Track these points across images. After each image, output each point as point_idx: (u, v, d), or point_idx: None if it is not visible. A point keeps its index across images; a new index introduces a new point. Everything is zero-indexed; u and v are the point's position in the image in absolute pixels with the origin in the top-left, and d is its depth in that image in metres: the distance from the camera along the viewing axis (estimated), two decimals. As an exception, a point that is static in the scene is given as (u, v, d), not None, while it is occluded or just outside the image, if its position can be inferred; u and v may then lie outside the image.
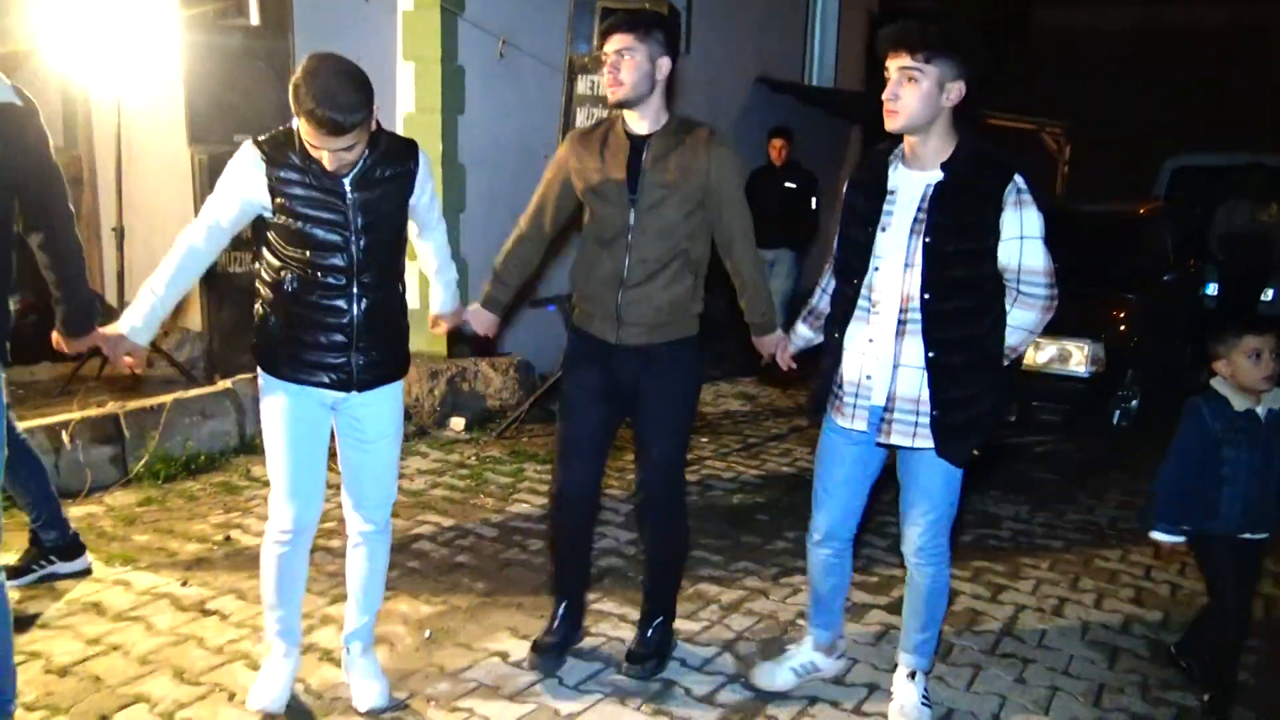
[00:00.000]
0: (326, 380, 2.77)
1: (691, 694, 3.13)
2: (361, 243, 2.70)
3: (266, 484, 4.74)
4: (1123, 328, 6.06)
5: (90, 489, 4.55)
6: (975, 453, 2.81)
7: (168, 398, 4.97)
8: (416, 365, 6.07)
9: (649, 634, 3.30)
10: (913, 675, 3.03)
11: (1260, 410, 3.05)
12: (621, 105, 2.99)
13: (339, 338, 2.75)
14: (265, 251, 2.75)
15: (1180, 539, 3.12)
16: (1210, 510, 3.06)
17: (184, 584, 3.69)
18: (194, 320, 5.82)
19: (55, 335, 3.15)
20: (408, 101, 6.25)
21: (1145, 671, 3.40)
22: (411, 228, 2.97)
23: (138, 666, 3.13)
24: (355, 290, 2.73)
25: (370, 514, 2.98)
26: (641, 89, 2.94)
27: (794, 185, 7.53)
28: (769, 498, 4.91)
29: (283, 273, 2.72)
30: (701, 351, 3.19)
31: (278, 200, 2.64)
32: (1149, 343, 6.34)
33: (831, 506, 3.00)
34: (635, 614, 3.62)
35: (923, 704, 3.00)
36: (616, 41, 2.92)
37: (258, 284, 2.81)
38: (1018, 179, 2.65)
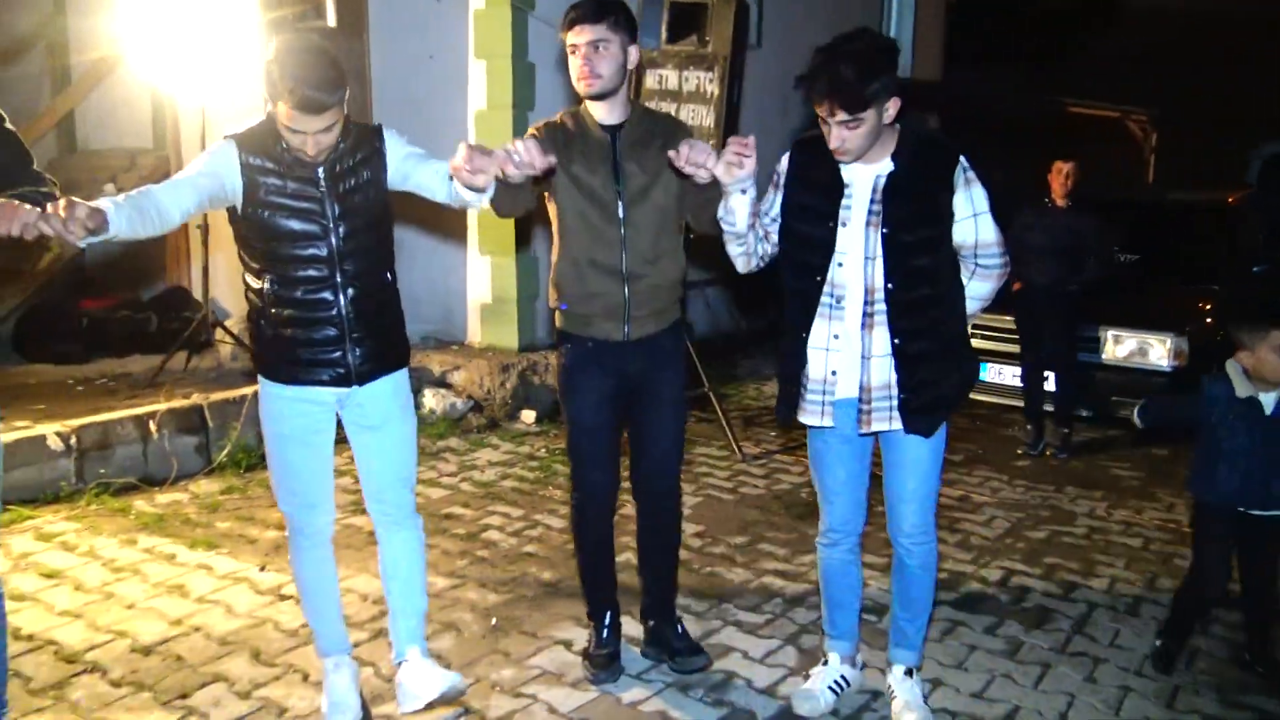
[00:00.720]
0: (326, 377, 2.71)
1: (753, 685, 3.13)
2: (341, 230, 2.66)
3: (343, 473, 4.89)
4: (1208, 321, 5.86)
5: (176, 477, 4.74)
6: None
7: (250, 389, 5.14)
8: (488, 358, 6.17)
9: (679, 630, 3.26)
10: (910, 672, 3.02)
11: (1268, 399, 3.08)
12: (597, 98, 2.88)
13: (331, 331, 2.69)
14: (245, 257, 2.71)
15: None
16: (1209, 481, 3.16)
17: (262, 569, 3.82)
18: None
19: None
20: (479, 99, 6.34)
21: (1222, 674, 3.30)
22: (423, 184, 2.77)
23: (217, 647, 3.26)
24: (339, 280, 2.68)
25: (393, 501, 2.91)
26: (617, 80, 2.86)
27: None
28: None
29: (264, 275, 2.68)
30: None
31: (252, 192, 2.60)
32: (1236, 336, 6.13)
33: (839, 505, 2.97)
34: (699, 605, 3.66)
35: (924, 702, 2.99)
36: (589, 32, 2.80)
37: (246, 294, 2.77)
38: (962, 159, 2.70)
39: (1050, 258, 5.57)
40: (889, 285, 2.68)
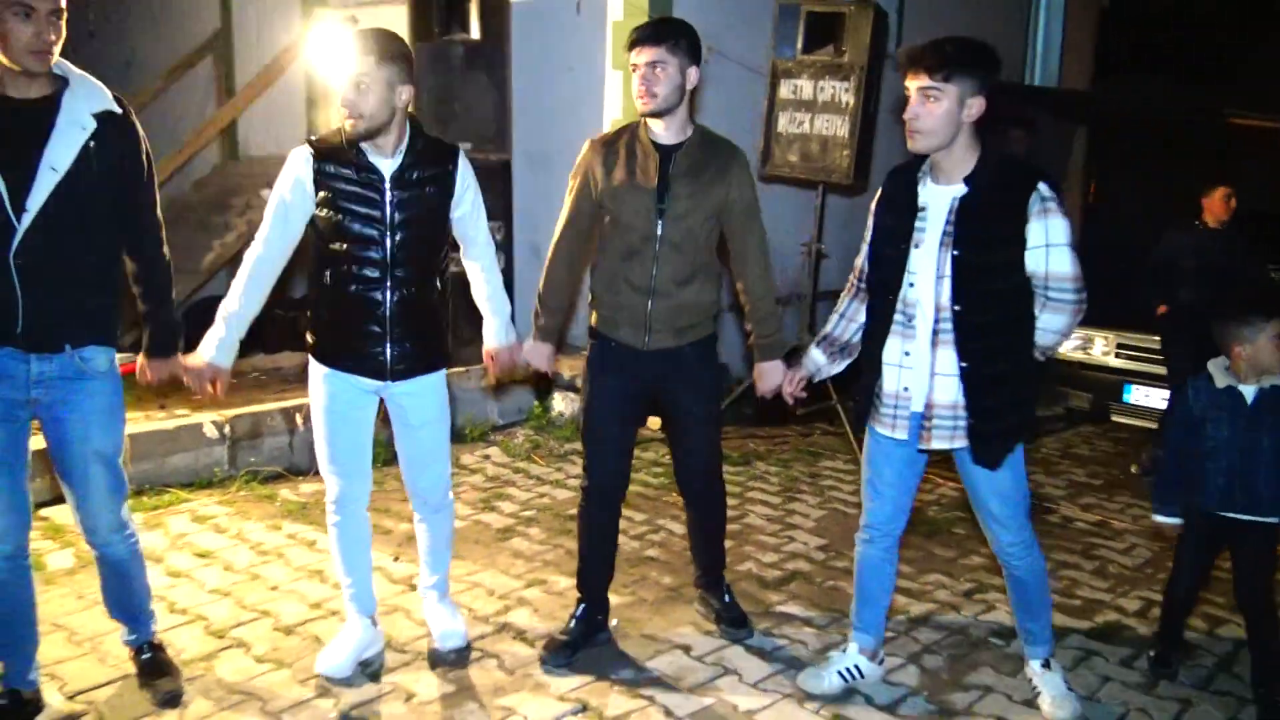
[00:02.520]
0: (363, 369, 2.94)
1: (873, 702, 3.09)
2: (396, 238, 2.85)
3: (472, 471, 5.06)
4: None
5: (318, 468, 4.96)
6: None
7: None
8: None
9: (727, 599, 3.49)
10: (1047, 664, 3.07)
11: (1248, 389, 3.08)
12: (653, 115, 3.01)
13: (374, 328, 2.90)
14: (313, 250, 2.93)
15: (1179, 520, 3.22)
16: (1196, 486, 3.15)
17: (396, 559, 3.97)
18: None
19: (139, 360, 2.91)
20: (616, 108, 6.44)
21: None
22: (462, 247, 3.10)
23: (352, 631, 3.40)
24: (390, 283, 2.87)
25: (425, 497, 3.17)
26: (673, 100, 2.99)
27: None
28: (966, 511, 4.74)
29: (325, 267, 2.90)
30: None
31: (322, 193, 2.82)
32: None
33: (882, 504, 3.03)
34: (821, 619, 3.62)
35: (1068, 689, 3.04)
36: (648, 54, 2.95)
37: (309, 280, 3.00)
38: (1042, 187, 2.69)
39: (1199, 279, 5.33)
40: (956, 306, 2.72)
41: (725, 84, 6.76)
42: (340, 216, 2.83)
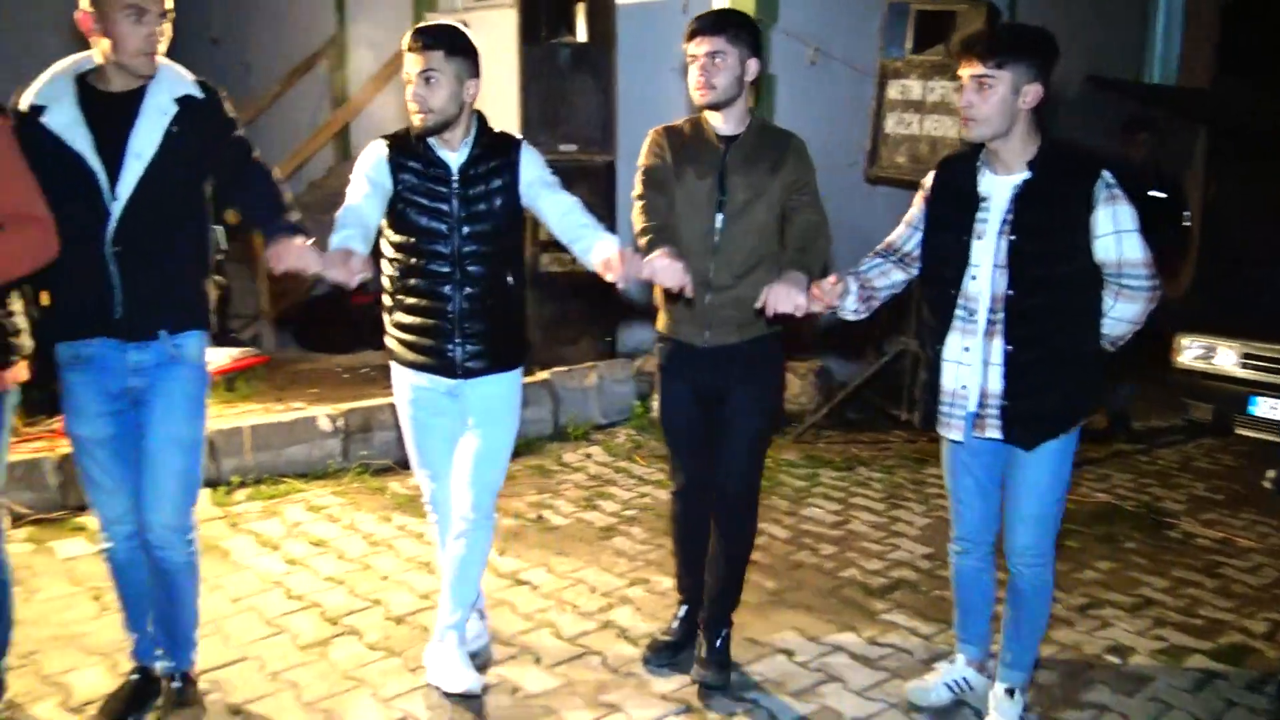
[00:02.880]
0: (434, 366, 2.91)
1: (983, 717, 3.01)
2: (464, 231, 2.84)
3: (576, 469, 5.12)
4: None
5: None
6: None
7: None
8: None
9: (717, 644, 3.14)
10: (1011, 692, 2.91)
11: None
12: (711, 108, 2.93)
13: (444, 325, 2.88)
14: (383, 244, 2.92)
15: None
16: None
17: (501, 554, 4.03)
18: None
19: (269, 250, 2.60)
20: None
21: None
22: (545, 213, 2.87)
23: (460, 623, 3.47)
24: (459, 278, 2.85)
25: (472, 498, 2.98)
26: (732, 91, 2.90)
27: (1161, 194, 5.94)
28: (1080, 524, 4.61)
29: (394, 264, 2.90)
30: (782, 349, 3.13)
31: (395, 188, 2.83)
32: None
33: (968, 515, 2.95)
34: (926, 628, 3.56)
35: None
36: (707, 44, 2.86)
37: (381, 278, 2.96)
38: (1106, 175, 2.64)
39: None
40: (1010, 292, 2.67)
41: (831, 85, 6.70)
42: (408, 211, 2.84)
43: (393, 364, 3.03)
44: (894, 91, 5.80)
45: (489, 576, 3.80)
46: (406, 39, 2.79)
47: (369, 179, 2.84)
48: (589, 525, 4.39)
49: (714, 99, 2.90)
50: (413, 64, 2.77)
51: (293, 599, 3.59)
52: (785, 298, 2.66)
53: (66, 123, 2.52)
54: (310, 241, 2.60)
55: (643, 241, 2.85)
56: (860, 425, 6.03)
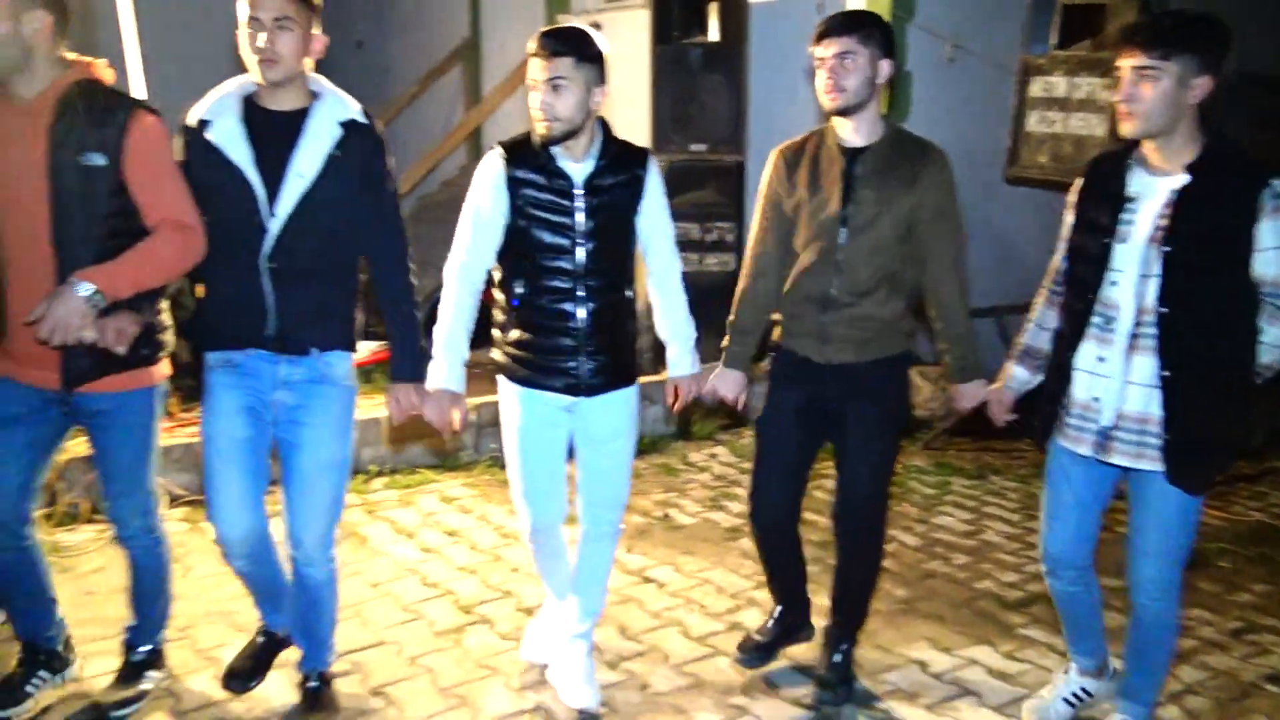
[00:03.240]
0: (558, 385, 2.78)
1: (1126, 739, 2.89)
2: (588, 246, 2.71)
3: (702, 469, 5.11)
4: None
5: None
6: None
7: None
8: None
9: (834, 659, 3.08)
10: None
11: None
12: (840, 113, 2.78)
13: (567, 341, 2.75)
14: (499, 259, 2.80)
15: None
16: None
17: (628, 550, 4.06)
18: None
19: (388, 389, 2.81)
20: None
21: None
22: (647, 252, 2.90)
23: (589, 618, 3.51)
24: (582, 294, 2.73)
25: (601, 514, 2.95)
26: (863, 94, 2.75)
27: None
28: (1234, 543, 4.37)
29: (514, 278, 2.78)
30: (908, 368, 3.03)
31: (515, 204, 2.70)
32: None
33: (1060, 531, 2.79)
34: (1062, 644, 3.42)
35: None
36: (837, 44, 2.72)
37: (493, 291, 2.86)
38: (1275, 183, 2.41)
39: None
40: (1163, 308, 2.46)
41: (968, 82, 6.52)
42: (529, 225, 2.71)
43: (503, 381, 2.89)
44: (1037, 88, 5.61)
45: (616, 573, 3.82)
46: (533, 43, 2.66)
47: (489, 196, 2.72)
48: (715, 525, 4.38)
49: (844, 102, 2.76)
50: (539, 70, 2.63)
51: (428, 586, 3.70)
52: (969, 407, 2.99)
53: (228, 138, 2.55)
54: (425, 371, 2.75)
55: (726, 338, 3.08)
56: (992, 433, 5.84)
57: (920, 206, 2.81)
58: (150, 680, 2.96)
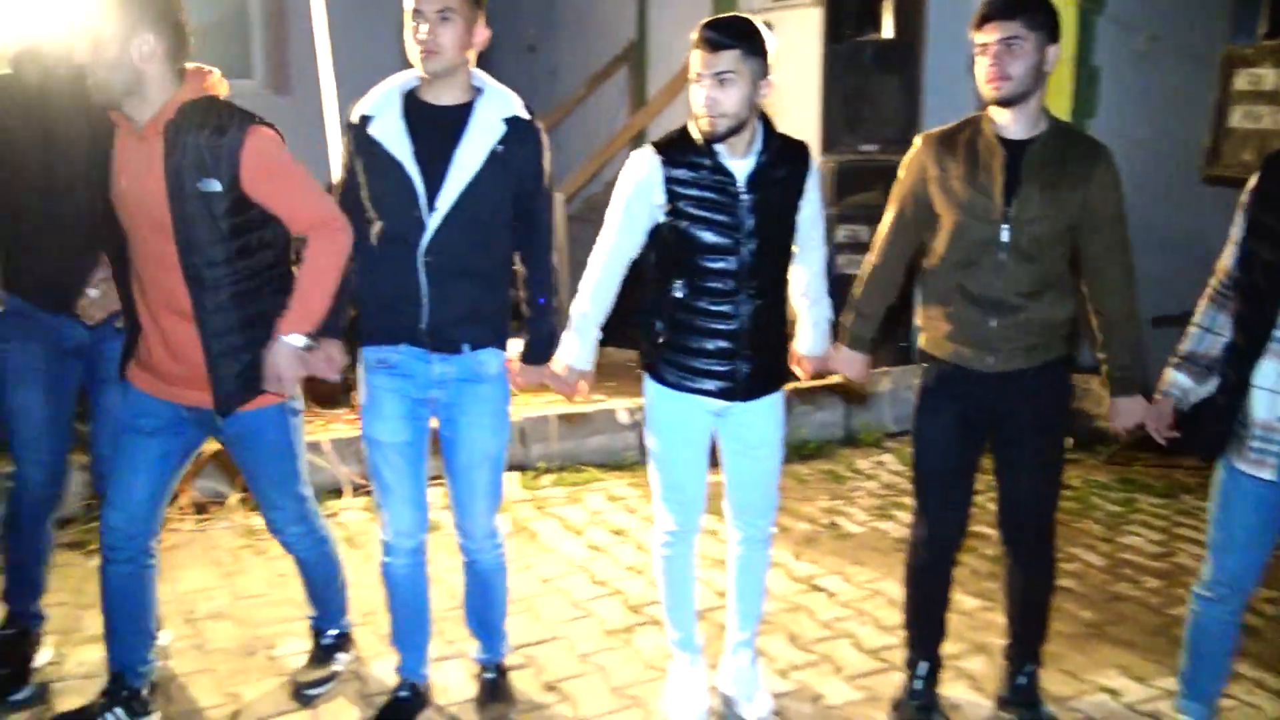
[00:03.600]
0: (713, 389, 2.70)
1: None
2: (752, 245, 2.62)
3: (869, 476, 5.00)
4: None
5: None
6: None
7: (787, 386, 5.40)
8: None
9: (1018, 681, 2.93)
10: None
11: None
12: (1003, 103, 2.57)
13: (725, 344, 2.67)
14: (653, 258, 2.74)
15: None
16: None
17: (796, 558, 4.00)
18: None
19: (514, 364, 2.81)
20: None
21: None
22: (798, 252, 2.81)
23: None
24: (743, 295, 2.65)
25: (752, 521, 2.89)
26: (1028, 83, 2.55)
27: None
28: None
29: (670, 279, 2.69)
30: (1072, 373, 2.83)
31: (672, 203, 2.62)
32: None
33: (1235, 558, 2.60)
34: (1274, 680, 3.18)
35: None
36: (1001, 29, 2.51)
37: (646, 292, 2.79)
38: None
39: None
40: None
41: (1161, 76, 6.16)
42: (689, 225, 2.62)
43: (651, 384, 2.82)
44: (1242, 82, 5.24)
45: (784, 580, 3.79)
46: (696, 34, 2.53)
47: (638, 196, 2.67)
48: (884, 535, 4.28)
49: (1009, 91, 2.55)
50: (704, 63, 2.52)
51: (597, 584, 3.74)
52: (1127, 425, 2.82)
53: (389, 132, 2.55)
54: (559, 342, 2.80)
55: (848, 317, 2.95)
56: (1182, 449, 5.48)
57: (1090, 206, 2.65)
58: (340, 662, 3.09)
